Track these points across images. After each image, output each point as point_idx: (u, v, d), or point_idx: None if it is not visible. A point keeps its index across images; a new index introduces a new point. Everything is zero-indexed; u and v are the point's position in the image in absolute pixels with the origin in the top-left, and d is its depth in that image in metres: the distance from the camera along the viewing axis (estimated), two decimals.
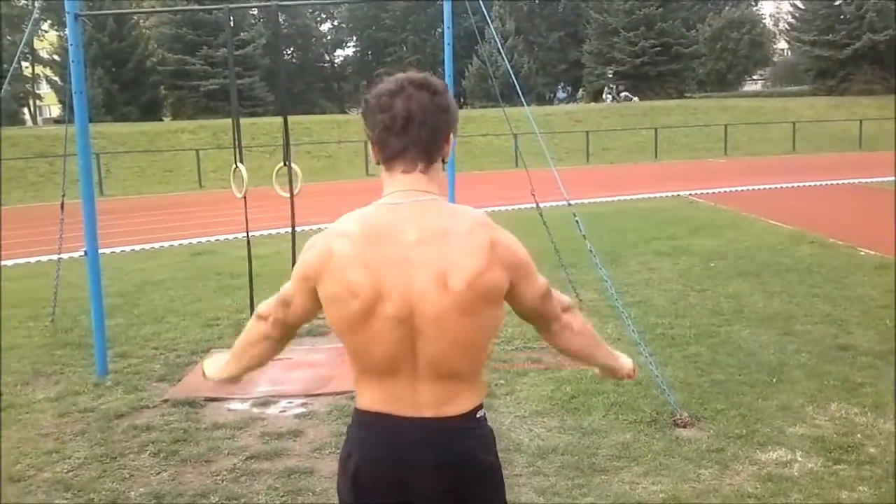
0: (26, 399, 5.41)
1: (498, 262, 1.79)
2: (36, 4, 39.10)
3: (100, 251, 5.95)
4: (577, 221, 5.19)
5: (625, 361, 2.16)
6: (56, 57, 41.87)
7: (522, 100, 5.52)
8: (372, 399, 1.87)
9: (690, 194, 16.85)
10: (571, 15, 55.81)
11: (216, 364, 2.18)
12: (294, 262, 5.57)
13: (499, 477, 1.94)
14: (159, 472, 4.17)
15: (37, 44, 49.82)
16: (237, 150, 5.77)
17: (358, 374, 1.89)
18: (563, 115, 35.57)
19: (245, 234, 6.23)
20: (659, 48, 45.81)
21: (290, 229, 5.85)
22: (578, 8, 53.91)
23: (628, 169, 25.37)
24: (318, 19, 64.25)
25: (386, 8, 57.44)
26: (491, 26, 5.36)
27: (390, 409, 1.84)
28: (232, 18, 37.79)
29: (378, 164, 1.88)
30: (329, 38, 66.31)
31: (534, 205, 7.10)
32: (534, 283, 1.88)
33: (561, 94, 61.44)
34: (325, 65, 65.58)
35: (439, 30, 60.44)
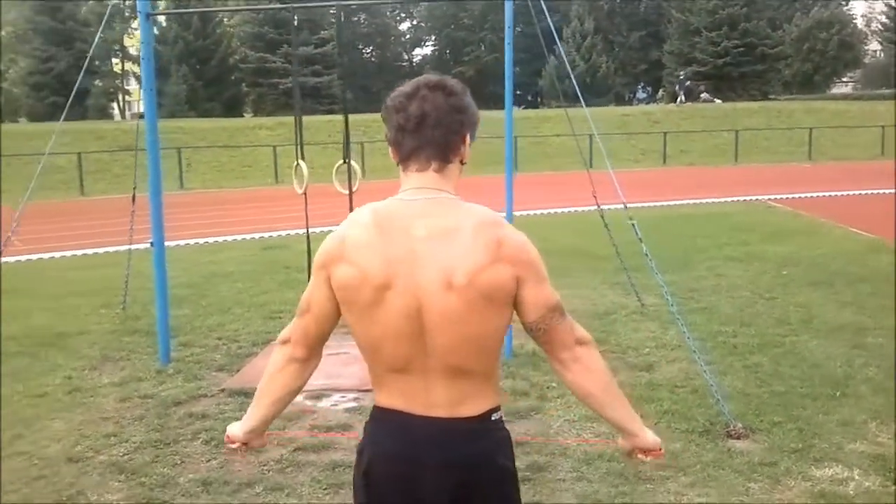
0: (92, 383, 5.61)
1: (504, 260, 1.77)
2: (126, 3, 40.45)
3: (175, 243, 6.14)
4: (633, 225, 5.10)
5: (650, 436, 1.96)
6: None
7: (581, 99, 5.43)
8: (387, 396, 1.88)
9: (769, 199, 16.35)
10: (653, 14, 54.85)
11: (239, 423, 2.08)
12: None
13: (512, 482, 1.92)
14: (209, 460, 4.27)
15: (126, 41, 51.59)
16: (299, 147, 5.85)
17: (373, 370, 1.90)
18: (641, 116, 34.96)
19: (306, 230, 6.32)
20: (742, 49, 44.63)
21: None
22: (660, 7, 52.96)
23: (706, 172, 24.78)
24: (398, 18, 64.82)
25: (465, 7, 57.51)
26: (551, 23, 5.30)
27: (404, 407, 1.85)
28: (310, 18, 38.59)
29: (397, 164, 1.89)
30: (408, 36, 66.80)
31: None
32: (542, 289, 1.83)
33: (641, 95, 60.46)
34: (404, 63, 66.07)
35: (518, 28, 60.10)
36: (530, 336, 1.89)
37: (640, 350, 6.01)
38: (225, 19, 44.87)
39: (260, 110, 41.80)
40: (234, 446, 2.06)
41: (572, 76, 5.91)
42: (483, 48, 57.35)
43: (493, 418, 1.89)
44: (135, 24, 51.65)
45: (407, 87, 1.87)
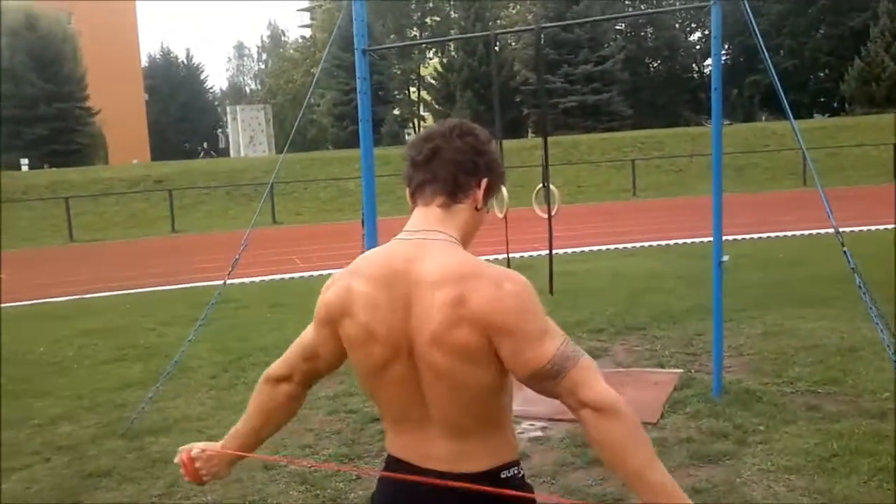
0: (310, 396, 5.96)
1: (466, 321, 1.62)
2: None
3: None
4: (844, 252, 4.48)
5: None
6: (434, 82, 46.00)
7: (787, 110, 4.87)
8: (393, 444, 1.85)
9: None
10: None
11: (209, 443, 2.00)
12: (551, 286, 5.46)
13: None
14: None
15: (423, 70, 55.33)
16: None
17: (382, 417, 1.86)
18: None
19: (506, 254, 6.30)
20: None
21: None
22: None
23: None
24: (687, 29, 62.82)
25: (761, 12, 54.32)
26: (753, 23, 4.84)
27: (407, 457, 1.80)
28: (593, 36, 38.67)
29: (410, 202, 1.84)
30: (698, 47, 64.42)
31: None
32: (521, 352, 1.63)
33: None
34: (694, 75, 63.81)
35: (821, 31, 55.70)
36: None
37: (878, 394, 5.24)
38: (512, 43, 46.56)
39: (539, 131, 42.61)
40: (177, 459, 1.96)
41: (776, 82, 5.29)
42: (782, 54, 53.72)
43: (502, 476, 1.75)
44: (430, 54, 55.43)
45: (429, 127, 1.86)
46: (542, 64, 10.81)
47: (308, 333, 1.90)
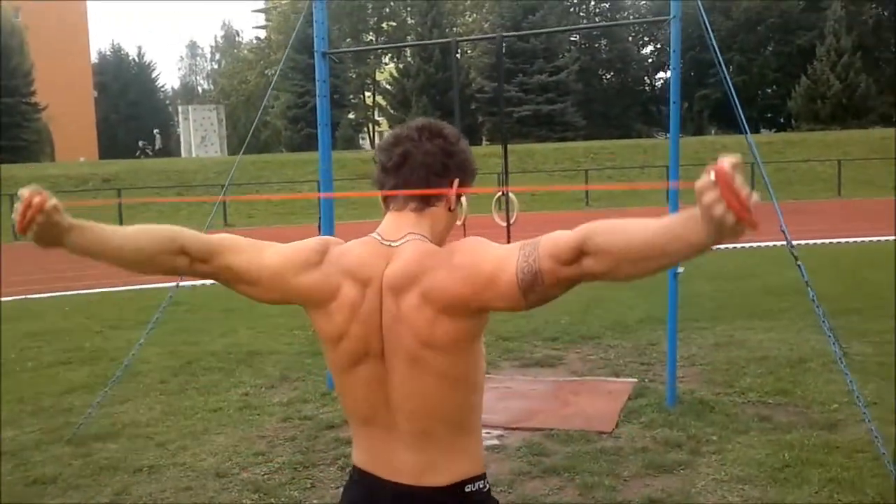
0: (263, 402, 5.96)
1: (440, 312, 1.61)
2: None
3: None
4: (798, 266, 4.56)
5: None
6: (389, 87, 45.93)
7: (744, 124, 4.96)
8: (358, 454, 1.82)
9: None
10: None
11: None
12: None
13: None
14: (338, 487, 4.35)
15: (378, 76, 55.19)
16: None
17: (349, 420, 1.83)
18: None
19: None
20: None
21: None
22: None
23: None
24: (640, 42, 63.76)
25: (712, 27, 55.38)
26: (712, 38, 4.92)
27: (371, 468, 1.77)
28: (548, 47, 39.05)
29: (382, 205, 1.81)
30: (650, 60, 65.43)
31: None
32: (498, 287, 1.55)
33: None
34: (646, 87, 64.78)
35: (769, 48, 56.99)
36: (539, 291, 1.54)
37: (827, 405, 5.34)
38: (469, 51, 46.72)
39: (494, 139, 42.87)
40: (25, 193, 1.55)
41: (733, 95, 5.38)
42: (731, 69, 54.83)
43: (466, 489, 1.73)
44: (385, 59, 55.32)
45: (398, 129, 1.82)
46: (502, 72, 10.75)
47: (261, 253, 1.79)
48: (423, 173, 1.72)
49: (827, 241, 13.73)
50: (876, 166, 25.95)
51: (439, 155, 1.74)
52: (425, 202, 1.74)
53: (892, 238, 13.21)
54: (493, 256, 1.58)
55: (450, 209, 1.78)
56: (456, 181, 1.76)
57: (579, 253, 1.46)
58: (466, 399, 1.72)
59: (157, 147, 62.99)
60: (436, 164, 1.73)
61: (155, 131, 64.86)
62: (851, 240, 14.26)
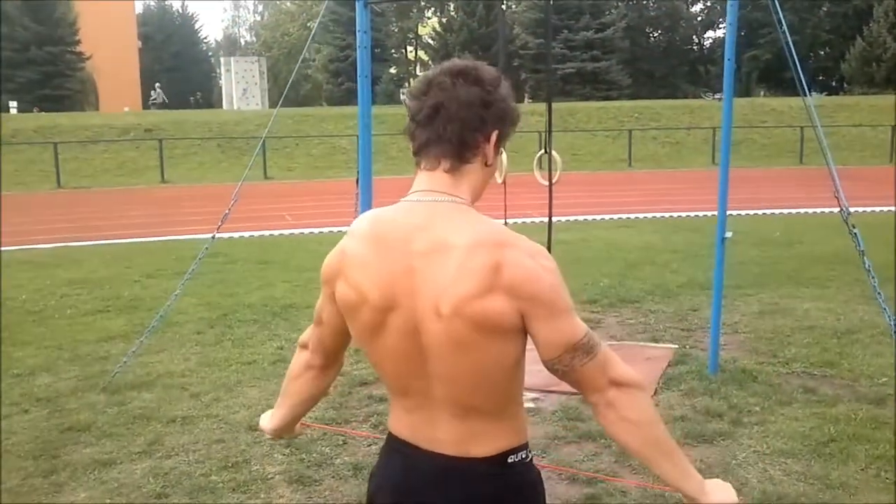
0: None
1: (500, 290, 1.49)
2: None
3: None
4: (854, 233, 4.35)
5: (717, 497, 1.58)
6: (432, 41, 45.36)
7: (803, 86, 4.71)
8: (396, 422, 1.72)
9: None
10: None
11: (270, 414, 2.02)
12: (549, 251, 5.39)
13: None
14: (370, 445, 4.30)
15: (421, 30, 54.57)
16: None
17: (387, 389, 1.74)
18: None
19: (505, 219, 6.16)
20: None
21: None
22: None
23: None
24: (690, 0, 62.17)
25: None
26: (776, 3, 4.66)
27: (411, 438, 1.68)
28: (594, 3, 38.06)
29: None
30: (700, 18, 63.75)
31: None
32: (556, 325, 1.53)
33: None
34: (694, 47, 63.23)
35: (823, 9, 55.12)
36: (551, 373, 1.61)
37: (875, 379, 5.16)
38: (513, 5, 45.90)
39: (537, 96, 42.24)
40: (267, 436, 2.07)
41: (794, 58, 5.11)
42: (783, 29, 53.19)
43: (509, 461, 1.63)
44: (429, 13, 54.65)
45: (431, 71, 1.65)
46: (549, 28, 10.44)
47: (319, 298, 1.78)
48: (458, 128, 1.57)
49: (877, 208, 13.30)
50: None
51: (476, 106, 1.58)
52: (460, 159, 1.60)
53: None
54: (567, 311, 1.56)
55: (487, 164, 1.64)
56: (495, 133, 1.62)
57: (606, 399, 1.57)
58: (510, 377, 1.62)
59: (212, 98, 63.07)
60: (472, 116, 1.57)
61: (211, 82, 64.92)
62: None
